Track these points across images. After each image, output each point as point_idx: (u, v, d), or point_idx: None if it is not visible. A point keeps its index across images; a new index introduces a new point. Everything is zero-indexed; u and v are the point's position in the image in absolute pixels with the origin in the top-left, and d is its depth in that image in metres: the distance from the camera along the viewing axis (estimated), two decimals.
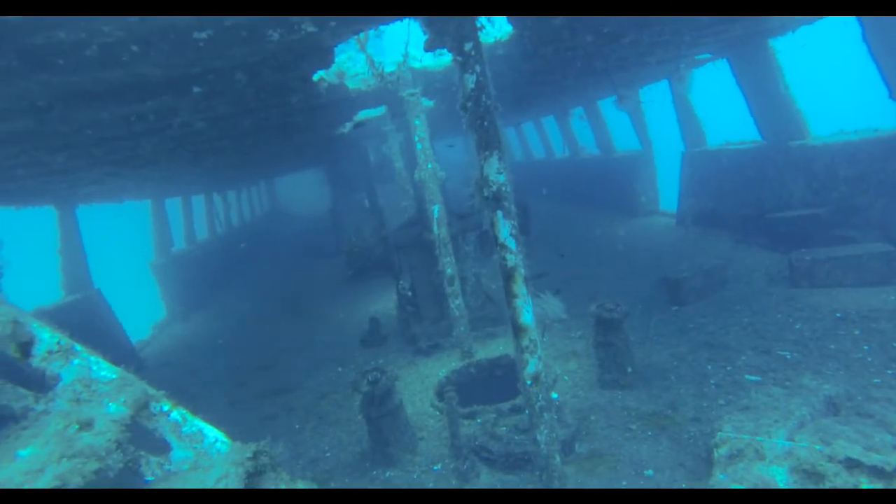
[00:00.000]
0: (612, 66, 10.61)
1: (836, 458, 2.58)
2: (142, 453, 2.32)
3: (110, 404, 2.13)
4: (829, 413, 3.93)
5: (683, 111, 14.92)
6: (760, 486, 2.88)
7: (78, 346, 2.31)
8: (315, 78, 7.52)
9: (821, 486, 2.53)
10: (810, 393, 4.28)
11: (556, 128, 23.53)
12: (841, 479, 2.48)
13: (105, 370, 2.30)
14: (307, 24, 5.14)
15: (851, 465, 2.52)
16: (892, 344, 5.74)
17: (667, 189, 17.29)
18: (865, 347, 5.84)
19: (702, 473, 4.09)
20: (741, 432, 4.24)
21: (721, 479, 3.14)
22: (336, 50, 6.73)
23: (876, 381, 5.04)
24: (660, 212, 17.02)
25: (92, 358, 2.30)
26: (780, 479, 2.81)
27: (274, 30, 5.17)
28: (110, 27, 4.10)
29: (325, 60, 6.31)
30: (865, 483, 2.37)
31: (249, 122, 8.54)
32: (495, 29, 7.73)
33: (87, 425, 1.88)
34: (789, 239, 9.68)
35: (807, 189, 10.13)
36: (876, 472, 2.44)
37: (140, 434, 2.51)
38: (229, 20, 4.60)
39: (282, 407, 8.03)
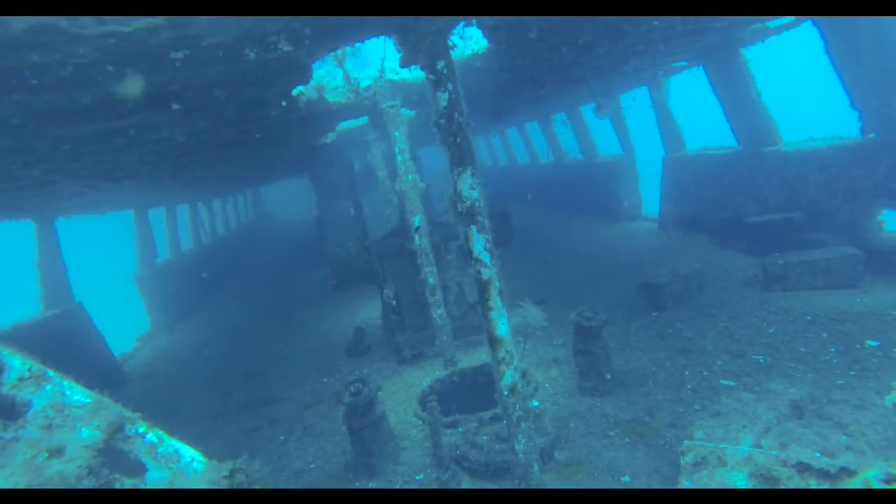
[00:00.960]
0: (589, 75, 10.81)
1: (789, 462, 2.71)
2: (116, 476, 2.36)
3: (83, 429, 2.16)
4: (793, 416, 4.07)
5: (663, 117, 15.21)
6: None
7: (50, 372, 2.34)
8: (294, 93, 7.59)
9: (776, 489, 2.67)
10: (777, 397, 4.43)
11: (539, 133, 23.79)
12: (793, 482, 2.61)
13: (79, 394, 2.33)
14: (283, 44, 5.21)
15: (802, 468, 2.65)
16: (856, 346, 5.94)
17: (649, 194, 17.57)
18: (832, 350, 6.03)
19: (676, 480, 4.21)
20: (712, 438, 4.36)
21: (687, 486, 3.26)
22: (316, 65, 6.80)
23: (840, 382, 5.22)
24: (642, 216, 17.28)
25: (65, 383, 2.34)
26: (741, 484, 2.93)
27: (250, 49, 5.24)
28: (85, 48, 4.13)
29: (303, 77, 6.38)
30: (815, 485, 2.50)
31: (230, 135, 8.57)
32: (472, 42, 7.88)
33: (57, 452, 1.91)
34: (765, 242, 9.92)
35: (780, 194, 10.40)
36: (823, 474, 2.58)
37: (115, 457, 2.55)
38: (205, 41, 4.66)
39: (266, 418, 8.03)
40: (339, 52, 7.17)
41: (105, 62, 4.37)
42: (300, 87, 7.76)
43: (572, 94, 14.96)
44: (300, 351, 11.04)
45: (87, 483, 1.93)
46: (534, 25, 6.54)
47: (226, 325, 15.31)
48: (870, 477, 2.39)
